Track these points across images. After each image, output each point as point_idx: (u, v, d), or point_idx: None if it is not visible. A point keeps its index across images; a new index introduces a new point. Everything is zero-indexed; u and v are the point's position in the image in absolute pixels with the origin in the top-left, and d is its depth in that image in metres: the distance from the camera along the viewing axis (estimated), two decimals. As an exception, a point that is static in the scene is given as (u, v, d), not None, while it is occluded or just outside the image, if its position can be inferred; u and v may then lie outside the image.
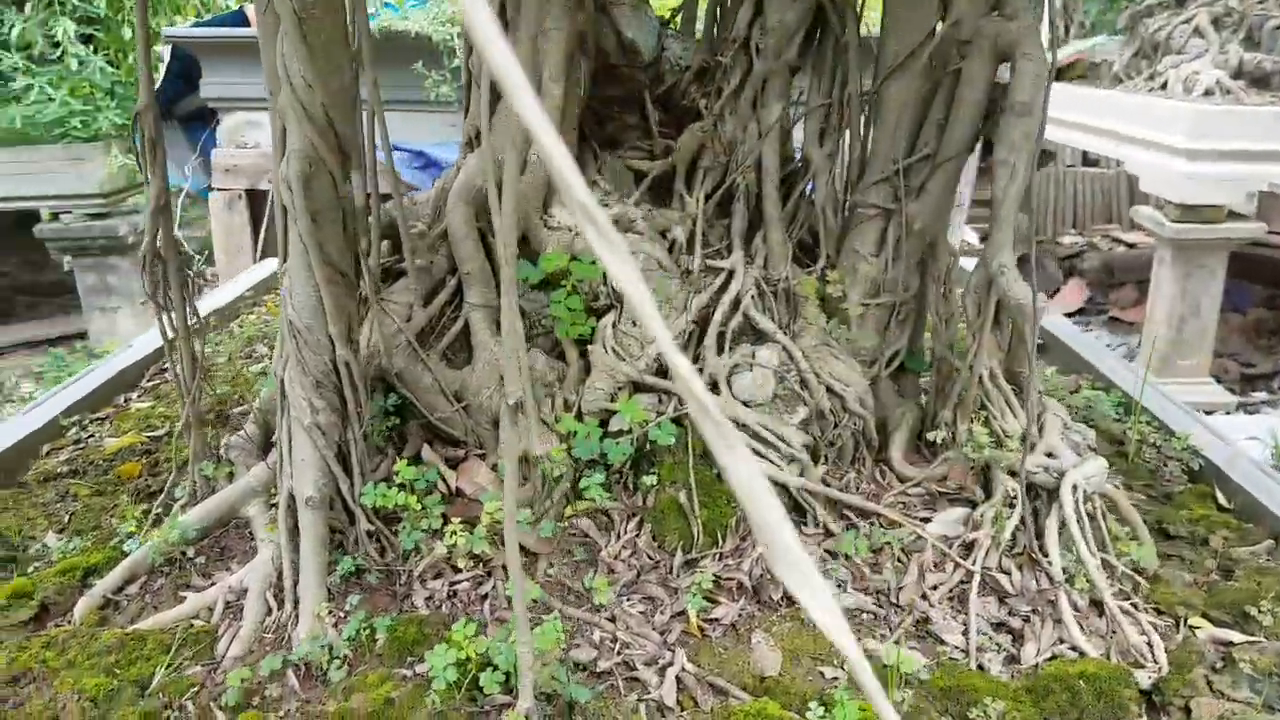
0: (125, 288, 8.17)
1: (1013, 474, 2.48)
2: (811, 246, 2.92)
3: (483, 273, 2.62)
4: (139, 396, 3.75)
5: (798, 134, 3.01)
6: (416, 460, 2.54)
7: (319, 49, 2.01)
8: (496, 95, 2.80)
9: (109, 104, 8.45)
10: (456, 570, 2.28)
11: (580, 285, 2.63)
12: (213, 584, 2.29)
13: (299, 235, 2.08)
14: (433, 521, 2.25)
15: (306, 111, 2.04)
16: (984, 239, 2.48)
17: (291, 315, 2.16)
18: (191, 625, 2.17)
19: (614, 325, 2.60)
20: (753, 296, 2.71)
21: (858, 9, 2.76)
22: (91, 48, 10.40)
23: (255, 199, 7.30)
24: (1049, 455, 2.48)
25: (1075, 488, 2.38)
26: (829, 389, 2.62)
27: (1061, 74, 8.35)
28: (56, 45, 8.78)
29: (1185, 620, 2.32)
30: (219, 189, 7.64)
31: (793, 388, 2.58)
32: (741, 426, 2.48)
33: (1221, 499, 2.89)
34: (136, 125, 2.27)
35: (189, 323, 2.45)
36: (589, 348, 2.60)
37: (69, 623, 2.24)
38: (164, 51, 8.52)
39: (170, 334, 2.41)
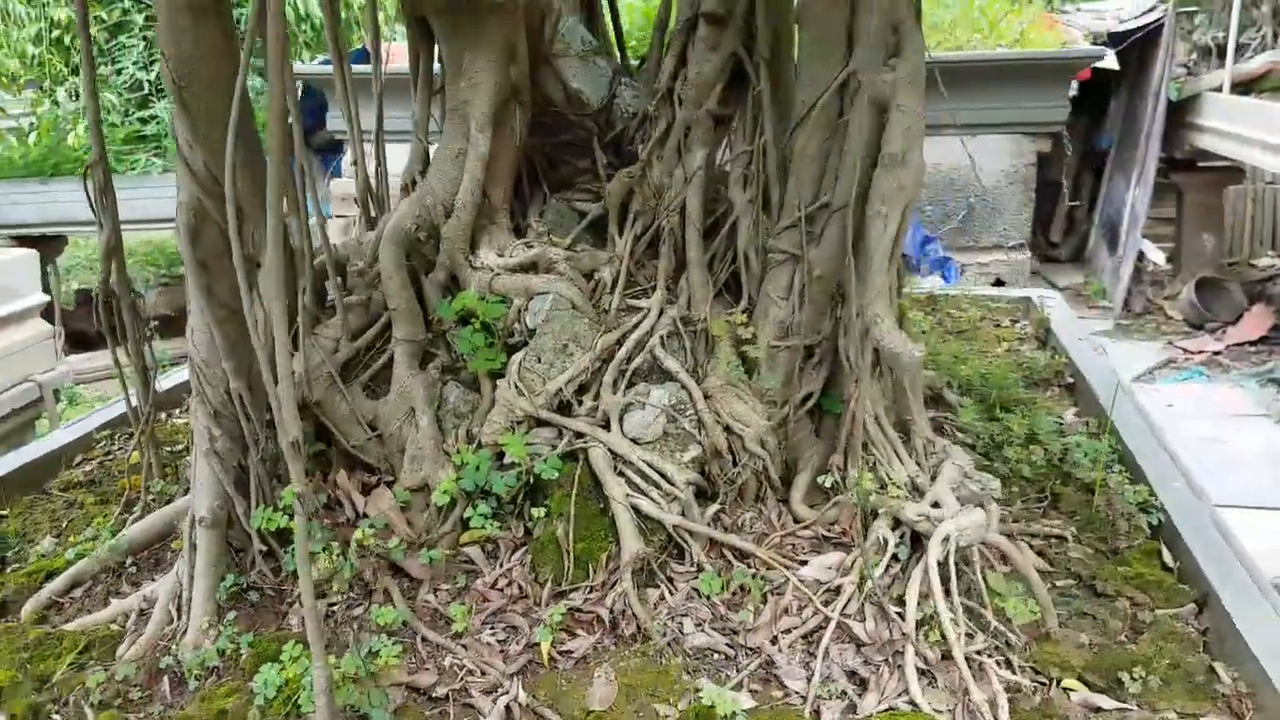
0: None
1: (897, 522, 2.46)
2: (737, 288, 2.97)
3: (409, 310, 2.82)
4: (181, 413, 4.14)
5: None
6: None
7: (200, 113, 2.25)
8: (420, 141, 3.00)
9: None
10: (342, 591, 2.47)
11: (494, 322, 2.78)
12: (136, 592, 2.56)
13: (191, 279, 2.33)
14: (315, 545, 2.44)
15: (190, 168, 2.29)
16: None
17: (191, 351, 2.41)
18: (109, 629, 2.45)
19: (521, 361, 2.74)
20: (663, 336, 2.79)
21: (771, 63, 2.81)
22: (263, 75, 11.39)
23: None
24: (934, 505, 2.45)
25: (947, 538, 2.34)
26: (727, 429, 2.68)
27: (1251, 86, 7.88)
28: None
29: (1058, 682, 2.26)
30: (337, 215, 8.25)
31: (685, 427, 2.65)
32: (625, 463, 2.57)
33: (1168, 558, 2.76)
34: (89, 177, 2.58)
35: (143, 354, 2.75)
36: (499, 382, 2.75)
37: (17, 620, 2.55)
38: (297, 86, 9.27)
39: (123, 364, 2.71)
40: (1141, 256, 8.76)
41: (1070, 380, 4.29)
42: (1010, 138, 6.84)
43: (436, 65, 3.04)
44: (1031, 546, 2.77)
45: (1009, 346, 4.95)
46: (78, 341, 11.97)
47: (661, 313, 2.85)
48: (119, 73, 10.38)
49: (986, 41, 6.77)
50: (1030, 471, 3.27)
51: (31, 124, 11.28)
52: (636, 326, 2.82)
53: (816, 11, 2.58)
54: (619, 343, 2.79)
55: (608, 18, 3.62)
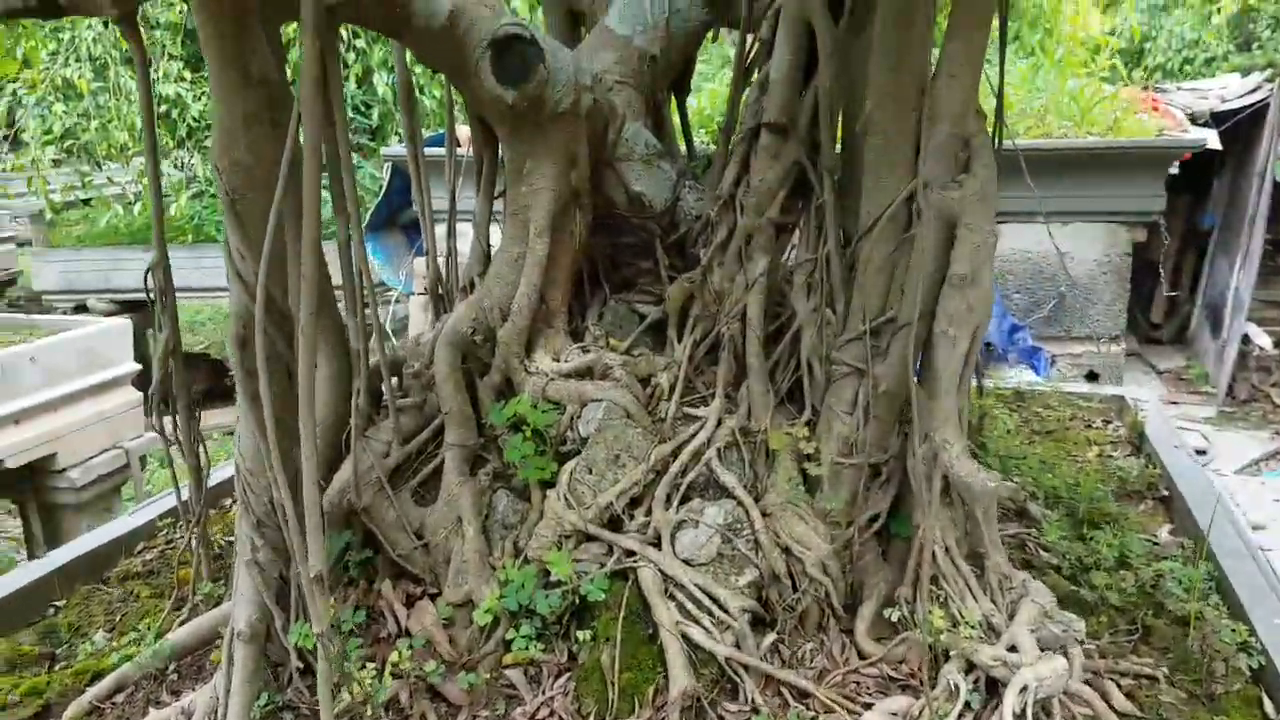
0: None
1: (970, 666, 2.28)
2: (801, 399, 2.85)
3: (462, 414, 2.76)
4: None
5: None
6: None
7: (252, 222, 2.26)
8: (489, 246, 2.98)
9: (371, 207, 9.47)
10: (378, 718, 2.38)
11: (546, 430, 2.71)
12: (176, 703, 2.51)
13: (240, 387, 2.31)
14: (352, 665, 2.37)
15: (240, 278, 2.28)
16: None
17: (237, 458, 2.39)
18: (144, 737, 2.40)
19: (572, 472, 2.65)
20: (720, 449, 2.68)
21: (834, 172, 2.72)
22: (361, 155, 11.81)
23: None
24: (1011, 648, 2.26)
25: (1025, 688, 2.15)
26: (787, 551, 2.53)
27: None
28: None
29: None
30: (417, 292, 8.40)
31: (741, 549, 2.52)
32: (677, 586, 2.45)
33: (1270, 709, 2.50)
34: (149, 277, 2.61)
35: (196, 454, 2.74)
36: (548, 493, 2.67)
37: (59, 723, 2.53)
38: (385, 169, 9.58)
39: (175, 464, 2.71)
40: (1246, 340, 8.33)
41: (1165, 493, 4.01)
42: (1104, 226, 6.59)
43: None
44: (1119, 687, 2.53)
45: (1100, 451, 4.67)
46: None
47: (719, 423, 2.74)
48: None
49: (1079, 129, 6.57)
50: (1120, 600, 3.03)
51: (137, 194, 11.86)
52: (693, 437, 2.71)
53: (883, 122, 2.49)
54: (674, 454, 2.68)
55: (675, 120, 3.60)
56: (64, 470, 7.42)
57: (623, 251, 3.18)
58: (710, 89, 7.78)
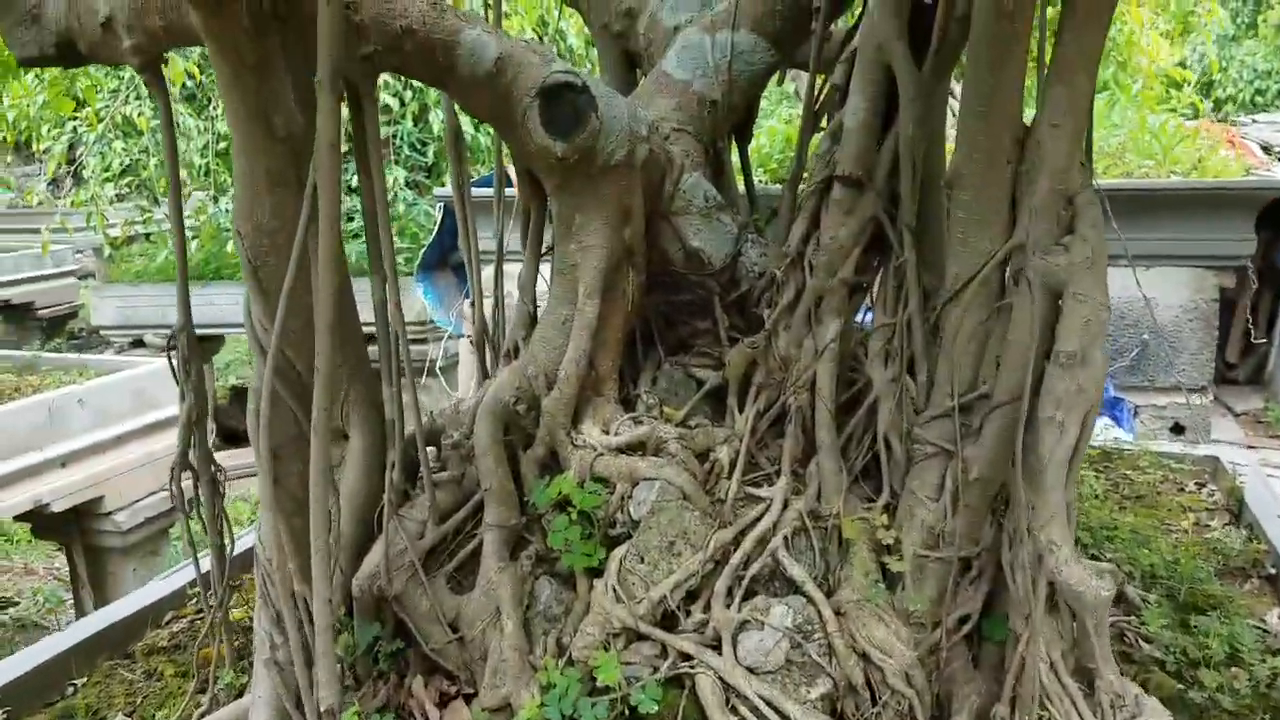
0: (436, 406, 8.96)
1: (1078, 800, 1.97)
2: (878, 478, 2.57)
3: (503, 491, 2.53)
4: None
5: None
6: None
7: (274, 291, 2.05)
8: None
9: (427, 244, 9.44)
10: (403, 831, 2.14)
11: (593, 511, 2.46)
12: (187, 805, 2.29)
13: (261, 470, 2.10)
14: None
15: (263, 350, 2.08)
16: None
17: (258, 548, 2.17)
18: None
19: (622, 560, 2.40)
20: (787, 536, 2.41)
21: (917, 229, 2.45)
22: (417, 191, 11.83)
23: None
24: (1127, 783, 1.95)
25: (1146, 838, 1.84)
26: (864, 656, 2.25)
27: None
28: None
29: None
30: (467, 335, 8.29)
31: (812, 654, 2.23)
32: (739, 697, 2.17)
33: None
34: (173, 343, 2.43)
35: (220, 533, 2.54)
36: (595, 582, 2.42)
37: (62, 826, 2.32)
38: (438, 208, 9.51)
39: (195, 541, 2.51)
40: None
41: (1272, 570, 3.65)
42: (1190, 270, 6.20)
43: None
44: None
45: (1196, 520, 4.30)
46: (228, 437, 12.37)
47: (786, 505, 2.47)
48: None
49: (1160, 168, 6.22)
50: (1233, 703, 2.70)
51: (194, 228, 11.95)
52: (757, 522, 2.44)
53: (972, 176, 2.22)
54: (735, 542, 2.42)
55: (736, 164, 3.36)
56: (111, 513, 7.35)
57: (679, 310, 2.94)
58: (770, 126, 7.55)
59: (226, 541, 2.59)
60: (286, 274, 2.01)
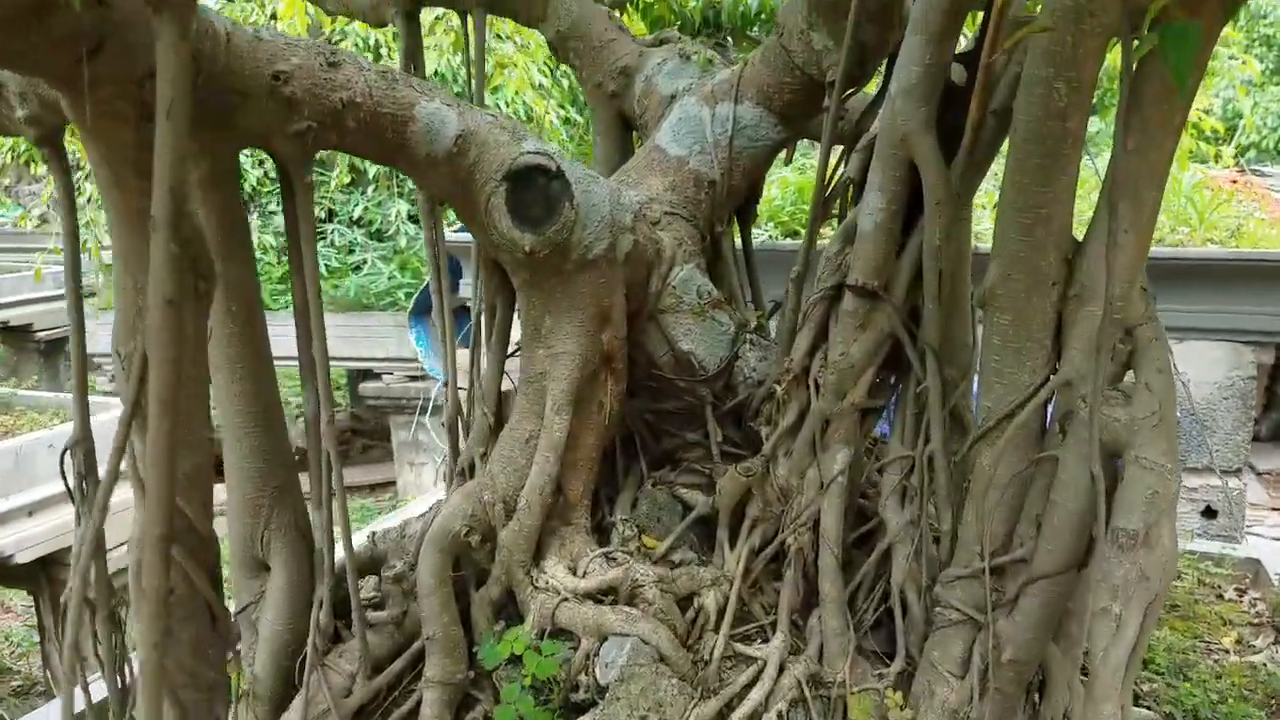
0: (431, 445, 8.67)
1: None
2: (888, 639, 2.19)
3: (448, 640, 2.16)
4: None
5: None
6: None
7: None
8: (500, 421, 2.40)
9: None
10: None
11: (552, 678, 2.09)
12: None
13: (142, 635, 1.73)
14: None
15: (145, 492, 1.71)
16: None
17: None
18: None
19: (586, 736, 2.02)
20: (782, 711, 2.03)
21: (942, 351, 2.09)
22: (419, 227, 11.55)
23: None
24: None
25: None
26: None
27: None
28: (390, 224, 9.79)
29: None
30: (461, 387, 7.92)
31: None
32: None
33: None
34: (69, 458, 2.08)
35: (119, 672, 2.18)
36: (553, 762, 2.04)
37: None
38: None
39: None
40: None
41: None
42: (1227, 345, 5.80)
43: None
44: None
45: (1238, 637, 3.89)
46: (221, 471, 11.98)
47: (782, 669, 2.09)
48: (270, 215, 10.55)
49: (1195, 235, 5.84)
50: None
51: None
52: (747, 690, 2.07)
53: (1011, 296, 1.86)
54: (721, 717, 2.04)
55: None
56: (78, 565, 6.97)
57: (666, 420, 2.57)
58: (781, 177, 7.20)
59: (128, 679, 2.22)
60: (183, 410, 1.65)
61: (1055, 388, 1.85)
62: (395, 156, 2.10)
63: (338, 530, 2.19)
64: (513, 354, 2.45)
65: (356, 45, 8.61)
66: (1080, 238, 1.85)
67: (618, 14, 4.95)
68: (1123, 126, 1.61)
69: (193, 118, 1.83)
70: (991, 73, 1.91)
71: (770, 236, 6.59)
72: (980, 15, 2.24)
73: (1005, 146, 1.92)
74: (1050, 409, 1.93)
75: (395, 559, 2.34)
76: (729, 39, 5.13)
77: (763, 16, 4.74)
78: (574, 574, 2.22)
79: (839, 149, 2.52)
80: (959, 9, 1.90)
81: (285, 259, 10.66)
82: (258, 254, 10.42)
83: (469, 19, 3.15)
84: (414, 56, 3.14)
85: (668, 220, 2.56)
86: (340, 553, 2.19)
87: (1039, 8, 1.99)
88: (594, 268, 2.23)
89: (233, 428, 2.12)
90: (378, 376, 9.40)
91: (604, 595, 2.18)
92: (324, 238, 10.07)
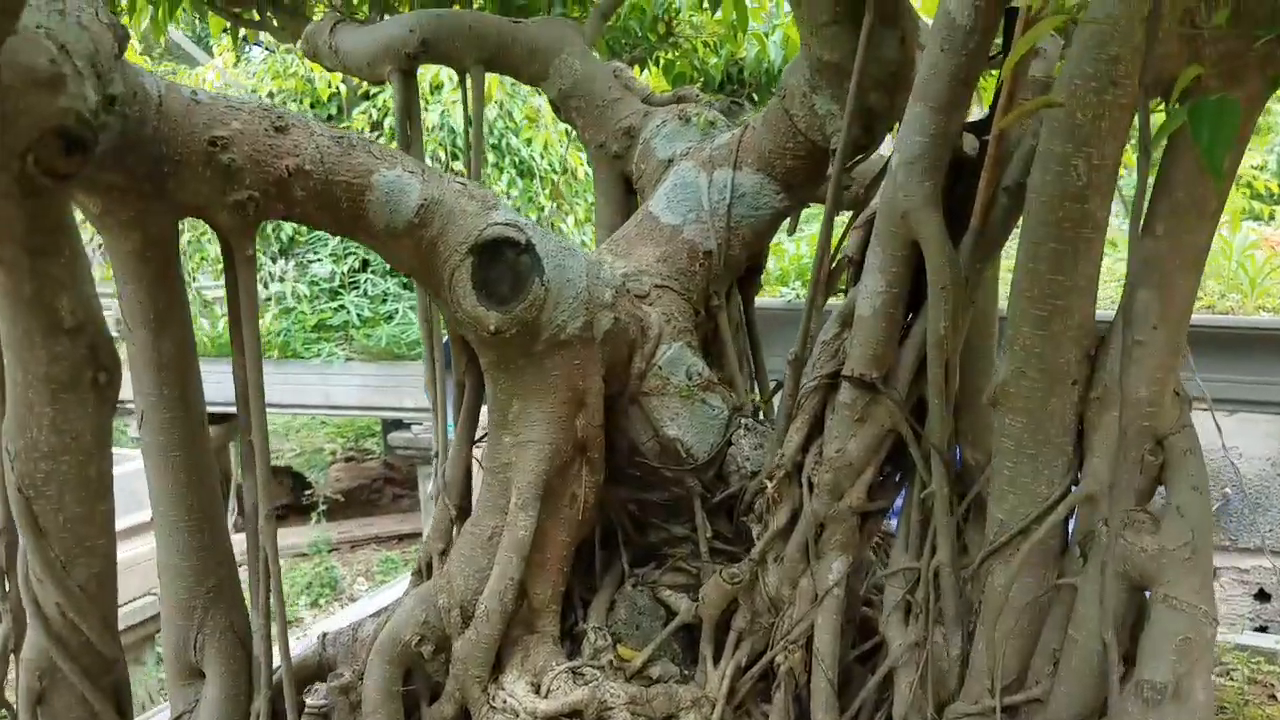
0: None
1: None
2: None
3: (398, 765, 1.94)
4: None
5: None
6: None
7: (57, 530, 1.52)
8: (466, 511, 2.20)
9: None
10: None
11: (506, 811, 1.86)
12: None
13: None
14: None
15: (42, 613, 1.53)
16: None
17: None
18: None
19: None
20: None
21: (947, 426, 1.85)
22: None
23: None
24: None
25: None
26: None
27: None
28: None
29: None
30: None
31: None
32: None
33: None
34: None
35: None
36: None
37: None
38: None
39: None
40: None
41: None
42: (1279, 419, 5.48)
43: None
44: None
45: (1298, 750, 3.54)
46: (254, 518, 11.92)
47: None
48: (308, 264, 10.55)
49: (1246, 302, 5.53)
50: None
51: (221, 306, 11.71)
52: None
53: (1026, 396, 1.63)
54: None
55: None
56: (88, 620, 6.87)
57: (650, 511, 2.35)
58: (812, 234, 6.99)
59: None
60: (77, 513, 1.47)
61: (1075, 503, 1.61)
62: (352, 228, 1.94)
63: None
64: (481, 439, 2.25)
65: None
66: (1104, 331, 1.63)
67: (636, 71, 4.84)
68: (1148, 210, 1.39)
69: (121, 187, 1.70)
70: (1004, 145, 1.70)
71: (798, 295, 6.35)
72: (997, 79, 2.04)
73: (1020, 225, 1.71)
74: (1072, 524, 1.69)
75: (345, 666, 2.13)
76: (753, 96, 4.98)
77: (785, 73, 4.58)
78: (537, 691, 1.99)
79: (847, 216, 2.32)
80: (968, 76, 1.69)
81: (319, 307, 10.67)
82: (292, 303, 10.47)
83: (468, 78, 3.03)
84: (410, 114, 3.02)
85: (657, 293, 2.36)
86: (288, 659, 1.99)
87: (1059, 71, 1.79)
88: (567, 348, 2.04)
89: (165, 522, 1.94)
90: (407, 426, 9.33)
91: (568, 718, 1.95)
92: (358, 287, 10.10)
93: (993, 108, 1.87)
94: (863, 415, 1.89)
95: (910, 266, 1.82)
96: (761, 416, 2.48)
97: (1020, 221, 1.69)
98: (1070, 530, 1.69)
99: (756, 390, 2.68)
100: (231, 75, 10.66)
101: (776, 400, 2.56)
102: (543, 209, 11.01)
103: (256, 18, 3.76)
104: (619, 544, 2.34)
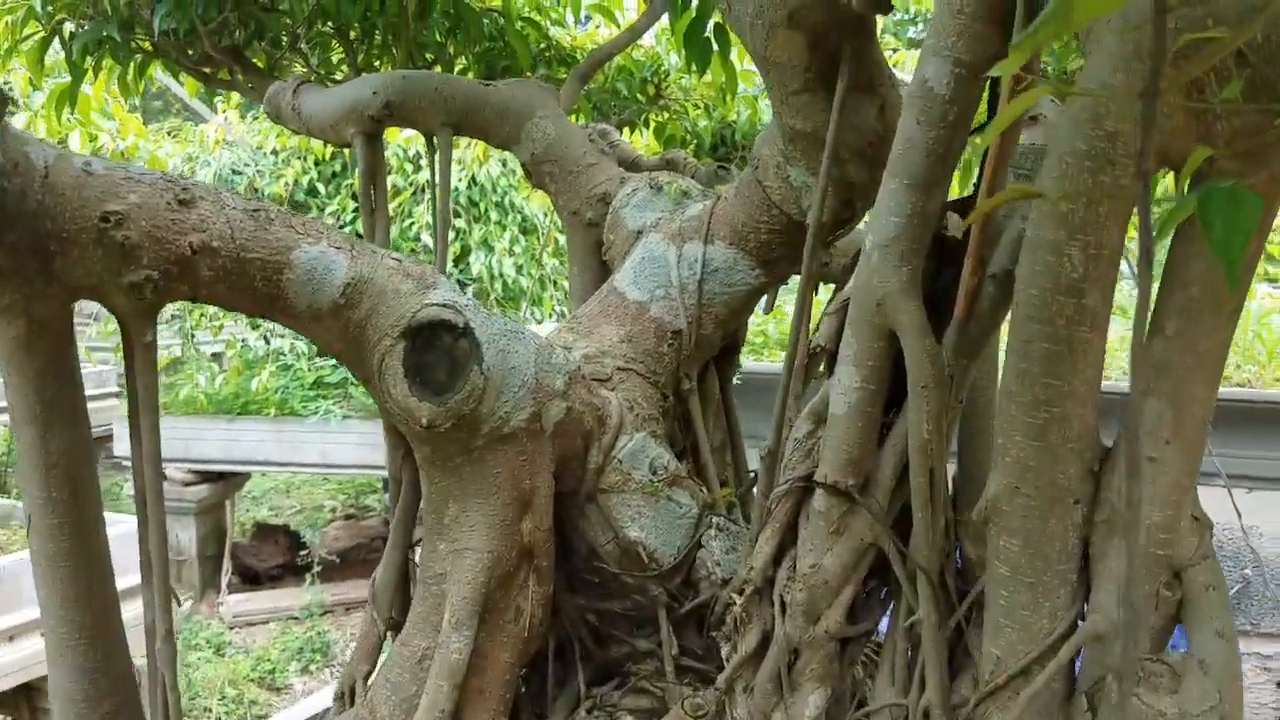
0: None
1: None
2: None
3: None
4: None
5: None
6: None
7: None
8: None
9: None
10: None
11: None
12: None
13: None
14: None
15: None
16: None
17: None
18: None
19: None
20: None
21: (935, 543, 1.62)
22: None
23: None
24: None
25: None
26: None
27: None
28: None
29: None
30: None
31: None
32: None
33: None
34: None
35: None
36: None
37: None
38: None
39: None
40: None
41: None
42: (1303, 496, 5.21)
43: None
44: None
45: None
46: (250, 578, 11.72)
47: None
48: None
49: (1264, 373, 5.30)
50: None
51: (222, 363, 11.58)
52: None
53: (1020, 515, 1.41)
54: None
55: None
56: (62, 692, 6.59)
57: (610, 621, 2.12)
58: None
59: None
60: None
61: (1081, 643, 1.38)
62: (269, 309, 1.75)
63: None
64: (418, 543, 2.03)
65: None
66: (1109, 442, 1.41)
67: (627, 133, 4.70)
68: (1155, 306, 1.19)
69: (1, 268, 1.52)
70: (989, 227, 1.50)
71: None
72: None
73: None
74: (1079, 665, 1.46)
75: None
76: (745, 159, 4.82)
77: (778, 136, 4.42)
78: (470, 836, 1.75)
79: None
80: (947, 151, 1.50)
81: (317, 365, 10.50)
82: (290, 360, 10.30)
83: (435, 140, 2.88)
84: (375, 179, 2.87)
85: (620, 377, 2.16)
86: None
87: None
88: (512, 443, 1.83)
89: (55, 638, 1.73)
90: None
91: None
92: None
93: (977, 185, 1.68)
94: (839, 526, 1.67)
95: (889, 359, 1.61)
96: (739, 512, 2.26)
97: (1010, 316, 1.49)
98: (1077, 668, 1.46)
99: (736, 479, 2.46)
100: (236, 131, 10.65)
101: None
102: (544, 266, 10.89)
103: (227, 77, 3.64)
104: (575, 659, 2.11)
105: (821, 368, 1.85)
